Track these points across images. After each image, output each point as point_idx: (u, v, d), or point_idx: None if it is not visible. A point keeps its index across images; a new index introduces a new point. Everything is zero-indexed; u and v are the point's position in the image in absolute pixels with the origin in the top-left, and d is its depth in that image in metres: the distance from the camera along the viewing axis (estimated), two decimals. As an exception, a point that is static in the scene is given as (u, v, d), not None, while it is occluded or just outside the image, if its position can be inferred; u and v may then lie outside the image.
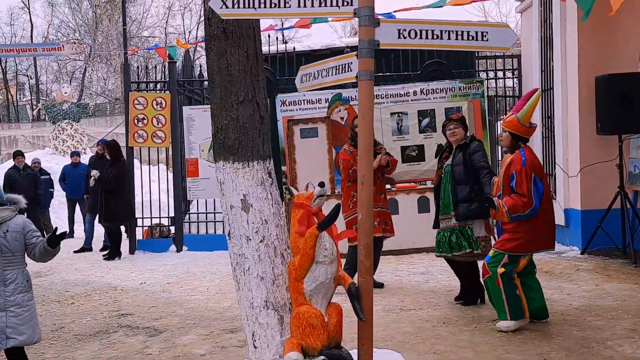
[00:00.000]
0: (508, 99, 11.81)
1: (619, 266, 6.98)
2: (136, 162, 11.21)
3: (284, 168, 9.82)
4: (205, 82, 10.21)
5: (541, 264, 7.25)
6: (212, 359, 4.75)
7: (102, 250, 10.62)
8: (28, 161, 12.91)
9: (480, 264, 5.48)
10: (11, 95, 38.36)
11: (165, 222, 10.77)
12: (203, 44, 5.03)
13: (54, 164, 16.68)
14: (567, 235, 8.23)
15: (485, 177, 5.58)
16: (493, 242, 5.57)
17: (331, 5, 3.51)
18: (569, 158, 8.22)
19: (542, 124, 9.07)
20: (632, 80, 7.32)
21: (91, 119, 27.52)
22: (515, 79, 10.69)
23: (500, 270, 4.98)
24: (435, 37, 3.60)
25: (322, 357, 3.45)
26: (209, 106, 3.87)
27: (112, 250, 9.93)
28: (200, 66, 11.31)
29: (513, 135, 5.06)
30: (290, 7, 3.47)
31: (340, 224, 5.15)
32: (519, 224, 4.98)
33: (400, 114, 9.81)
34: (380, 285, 6.67)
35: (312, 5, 3.47)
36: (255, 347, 3.70)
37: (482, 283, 5.36)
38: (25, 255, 4.09)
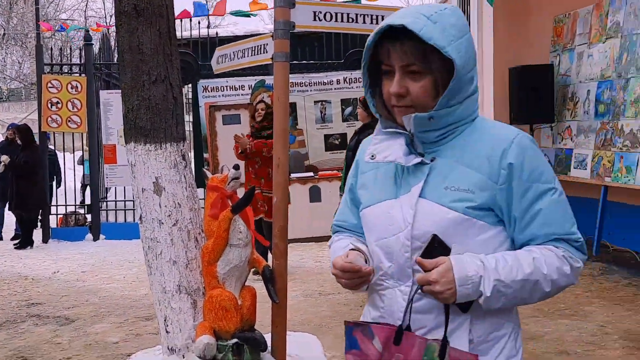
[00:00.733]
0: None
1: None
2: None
3: (205, 155, 9.69)
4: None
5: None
6: (126, 346, 4.65)
7: (13, 239, 10.18)
8: None
9: None
10: None
11: (81, 210, 10.42)
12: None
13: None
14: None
15: None
16: None
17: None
18: (484, 147, 8.48)
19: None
20: (543, 71, 7.61)
21: (4, 104, 26.28)
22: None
23: None
24: (350, 20, 3.62)
25: (235, 339, 3.43)
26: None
27: (23, 239, 9.54)
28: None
29: None
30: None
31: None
32: None
33: (323, 102, 9.85)
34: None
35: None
36: (167, 331, 3.64)
37: None
38: None
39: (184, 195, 3.69)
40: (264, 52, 3.91)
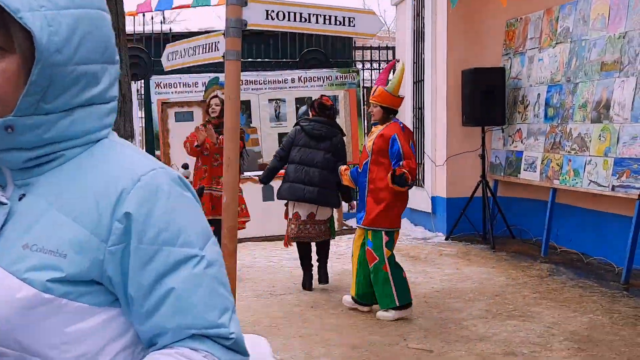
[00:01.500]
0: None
1: (479, 251, 7.38)
2: None
3: (157, 152, 9.54)
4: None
5: (408, 249, 7.53)
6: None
7: None
8: None
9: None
10: None
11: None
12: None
13: None
14: (433, 221, 8.59)
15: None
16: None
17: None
18: (437, 148, 8.57)
19: (413, 115, 9.39)
20: (495, 74, 7.72)
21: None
22: (390, 71, 10.98)
23: (387, 252, 4.90)
24: (303, 20, 3.59)
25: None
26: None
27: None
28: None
29: (384, 108, 5.09)
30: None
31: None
32: (396, 196, 4.91)
33: (278, 101, 9.80)
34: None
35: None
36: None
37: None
38: None
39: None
40: (215, 50, 3.85)
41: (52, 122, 0.97)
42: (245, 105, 9.45)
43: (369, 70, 11.03)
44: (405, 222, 8.02)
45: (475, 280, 6.11)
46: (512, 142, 7.74)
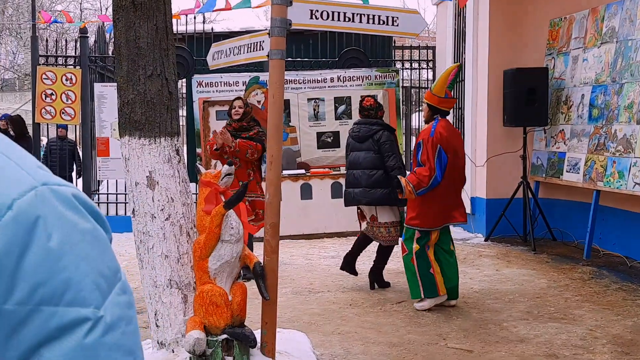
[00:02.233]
0: (422, 90, 12.07)
1: (519, 253, 7.30)
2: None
3: (199, 150, 9.67)
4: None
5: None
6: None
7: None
8: None
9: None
10: None
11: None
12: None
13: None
14: (472, 222, 8.53)
15: None
16: None
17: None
18: (477, 148, 8.51)
19: (453, 115, 9.33)
20: (537, 75, 7.63)
21: (-2, 94, 26.16)
22: (430, 70, 10.93)
23: (415, 247, 5.07)
24: (347, 19, 3.62)
25: (225, 335, 3.43)
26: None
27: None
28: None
29: (430, 107, 5.16)
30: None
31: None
32: (422, 200, 5.06)
33: (317, 100, 9.84)
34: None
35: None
36: (157, 326, 3.64)
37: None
38: None
39: (177, 189, 3.69)
40: (259, 49, 3.91)
41: None
42: (285, 104, 9.51)
43: (408, 70, 10.99)
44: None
45: (516, 282, 6.05)
46: (555, 143, 7.64)
